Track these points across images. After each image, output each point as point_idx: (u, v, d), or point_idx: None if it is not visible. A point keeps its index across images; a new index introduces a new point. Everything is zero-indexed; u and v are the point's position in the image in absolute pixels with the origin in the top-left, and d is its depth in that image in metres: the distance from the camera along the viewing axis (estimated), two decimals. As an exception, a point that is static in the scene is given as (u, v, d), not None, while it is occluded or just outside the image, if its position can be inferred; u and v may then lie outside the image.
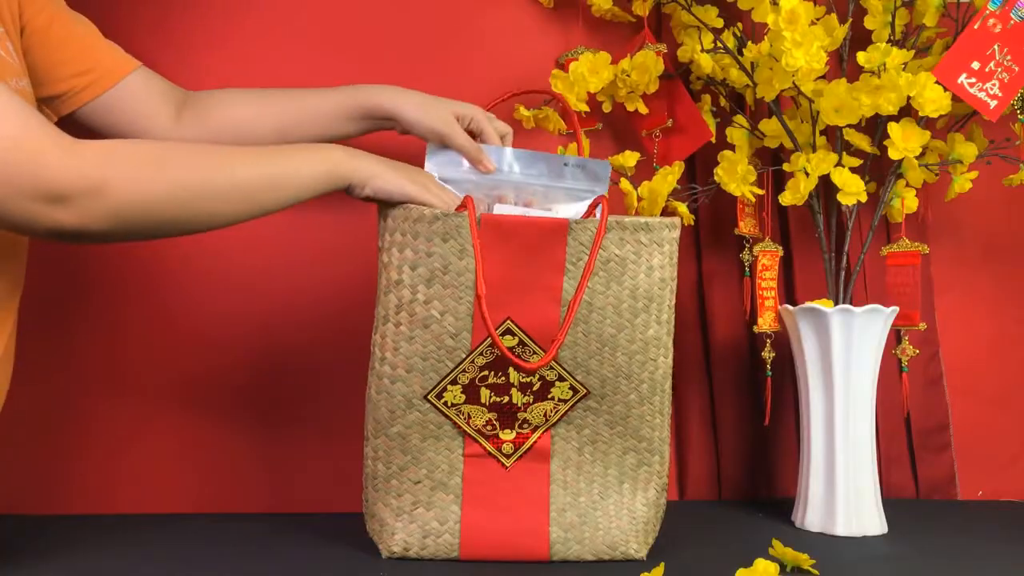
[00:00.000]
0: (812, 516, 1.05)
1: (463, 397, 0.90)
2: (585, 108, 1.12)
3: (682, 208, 1.13)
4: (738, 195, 1.10)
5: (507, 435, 0.91)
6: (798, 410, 1.12)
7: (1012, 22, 1.04)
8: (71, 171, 0.76)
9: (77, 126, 0.99)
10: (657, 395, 0.92)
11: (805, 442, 1.07)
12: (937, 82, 1.01)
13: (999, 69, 1.04)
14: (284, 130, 1.03)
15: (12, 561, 0.89)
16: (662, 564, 0.83)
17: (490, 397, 0.90)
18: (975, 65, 1.03)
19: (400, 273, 0.88)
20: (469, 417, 0.90)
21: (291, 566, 0.89)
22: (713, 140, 1.15)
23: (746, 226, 1.16)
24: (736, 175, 1.09)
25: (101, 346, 1.13)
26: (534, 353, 0.89)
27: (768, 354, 1.14)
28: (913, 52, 1.06)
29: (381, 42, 1.19)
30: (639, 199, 1.12)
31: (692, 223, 1.18)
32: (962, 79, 1.03)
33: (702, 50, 1.11)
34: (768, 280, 1.13)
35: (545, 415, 0.91)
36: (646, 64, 1.09)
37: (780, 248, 1.15)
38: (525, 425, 0.91)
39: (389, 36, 1.19)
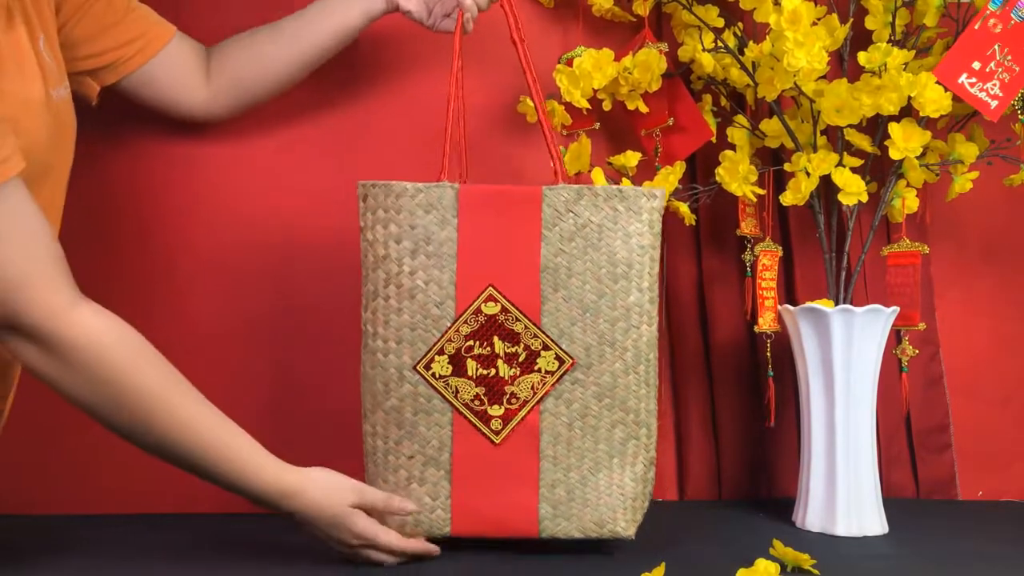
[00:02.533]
0: (812, 516, 1.05)
1: (450, 368, 0.91)
2: (587, 105, 1.11)
3: (683, 208, 1.13)
4: (739, 195, 1.10)
5: (495, 410, 0.92)
6: (798, 410, 1.12)
7: (1012, 22, 1.04)
8: (70, 325, 0.80)
9: (117, 97, 1.04)
10: (642, 364, 0.93)
11: (805, 442, 1.07)
12: (938, 82, 1.01)
13: (999, 69, 1.04)
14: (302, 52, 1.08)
15: (12, 561, 0.89)
16: (663, 564, 0.82)
17: (476, 369, 0.91)
18: (976, 65, 1.03)
19: (386, 248, 0.91)
20: (457, 391, 0.91)
21: (291, 566, 0.89)
22: (714, 140, 1.15)
23: (748, 226, 1.16)
24: (738, 175, 1.09)
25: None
26: (517, 320, 0.91)
27: (769, 354, 1.14)
28: (914, 52, 1.06)
29: (380, 41, 1.19)
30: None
31: (693, 223, 1.18)
32: (963, 79, 1.03)
33: (703, 49, 1.11)
34: (768, 280, 1.13)
35: (533, 388, 0.92)
36: (648, 62, 1.09)
37: (780, 248, 1.15)
38: (513, 400, 0.92)
39: (388, 34, 1.19)
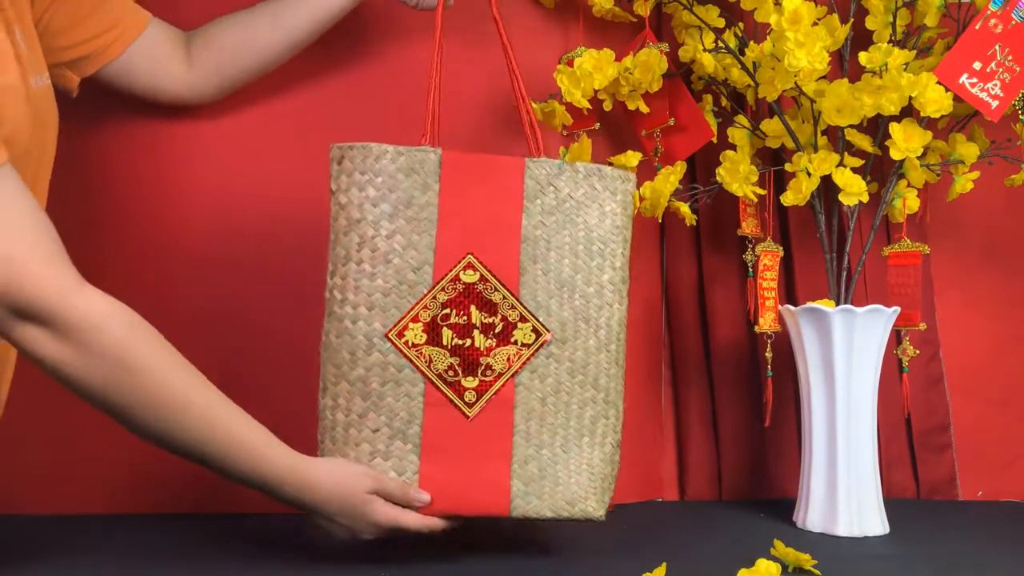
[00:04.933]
0: (813, 516, 1.05)
1: (424, 337, 0.88)
2: (587, 106, 1.11)
3: (684, 208, 1.13)
4: (740, 195, 1.10)
5: (470, 382, 0.89)
6: (799, 410, 1.12)
7: (1013, 22, 1.04)
8: (77, 307, 0.78)
9: (97, 87, 1.04)
10: (614, 343, 0.93)
11: (806, 442, 1.07)
12: (938, 82, 1.01)
13: (1000, 69, 1.04)
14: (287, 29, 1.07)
15: (12, 561, 0.89)
16: (663, 564, 0.82)
17: (452, 339, 0.89)
18: (976, 65, 1.03)
19: (362, 211, 0.88)
20: (430, 360, 0.88)
21: (291, 566, 0.89)
22: (714, 140, 1.15)
23: (749, 226, 1.16)
24: (739, 175, 1.09)
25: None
26: (496, 290, 0.90)
27: (769, 354, 1.14)
28: (915, 52, 1.06)
29: (380, 38, 1.18)
30: (641, 199, 1.12)
31: (694, 223, 1.17)
32: (963, 79, 1.03)
33: (704, 50, 1.11)
34: (769, 280, 1.13)
35: (508, 360, 0.90)
36: (649, 62, 1.09)
37: (781, 248, 1.15)
38: (488, 372, 0.90)
39: (389, 33, 1.18)
